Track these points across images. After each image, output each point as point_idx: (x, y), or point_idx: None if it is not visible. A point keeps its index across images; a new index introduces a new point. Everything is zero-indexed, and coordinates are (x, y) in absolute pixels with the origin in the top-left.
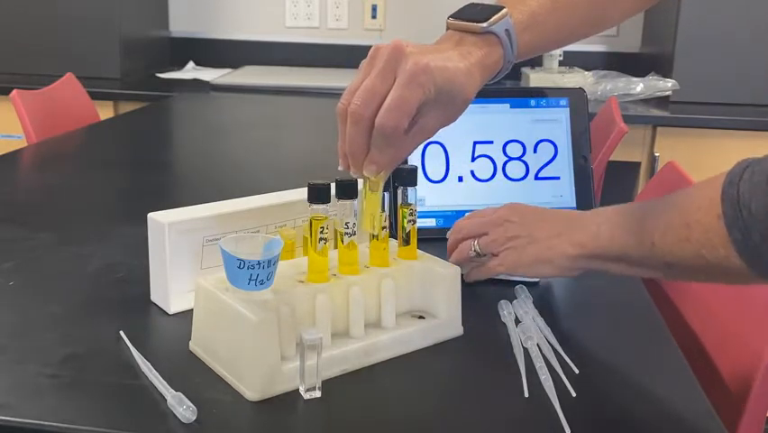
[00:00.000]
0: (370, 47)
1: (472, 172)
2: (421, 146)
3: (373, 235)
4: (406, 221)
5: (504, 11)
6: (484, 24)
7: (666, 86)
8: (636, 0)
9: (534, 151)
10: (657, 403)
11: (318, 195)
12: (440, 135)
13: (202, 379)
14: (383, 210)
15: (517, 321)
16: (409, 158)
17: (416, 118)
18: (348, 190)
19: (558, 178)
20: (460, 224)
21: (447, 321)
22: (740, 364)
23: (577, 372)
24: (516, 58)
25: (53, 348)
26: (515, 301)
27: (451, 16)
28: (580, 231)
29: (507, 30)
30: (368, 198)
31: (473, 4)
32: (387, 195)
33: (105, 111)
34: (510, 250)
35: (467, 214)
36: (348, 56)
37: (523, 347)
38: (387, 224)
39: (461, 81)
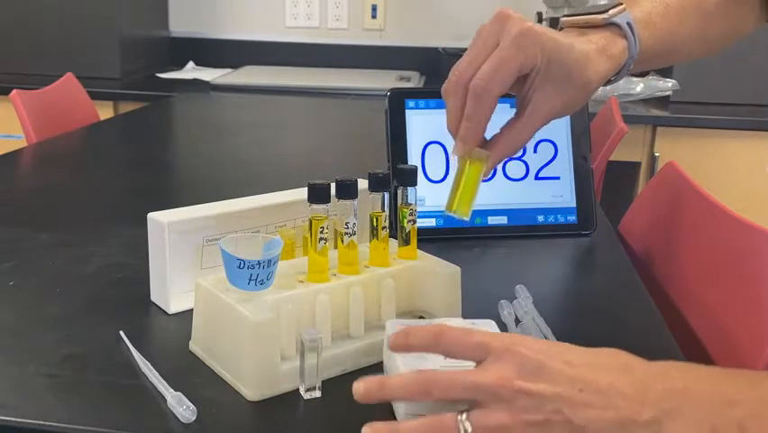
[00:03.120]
0: (370, 47)
1: None
2: (421, 146)
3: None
4: (406, 221)
5: (623, 5)
6: (605, 15)
7: (666, 86)
8: (730, 25)
9: (535, 151)
10: None
11: (318, 195)
12: (440, 135)
13: (202, 379)
14: (383, 210)
15: (517, 321)
16: (409, 158)
17: (528, 94)
18: (348, 190)
19: (558, 178)
20: (423, 374)
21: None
22: (740, 365)
23: None
24: (638, 56)
25: (53, 348)
26: (515, 301)
27: (565, 16)
28: (687, 425)
29: (628, 22)
30: (465, 174)
31: (587, 6)
32: (386, 195)
33: (105, 111)
34: None
35: (425, 332)
36: (348, 56)
37: None
38: (387, 224)
39: (577, 58)
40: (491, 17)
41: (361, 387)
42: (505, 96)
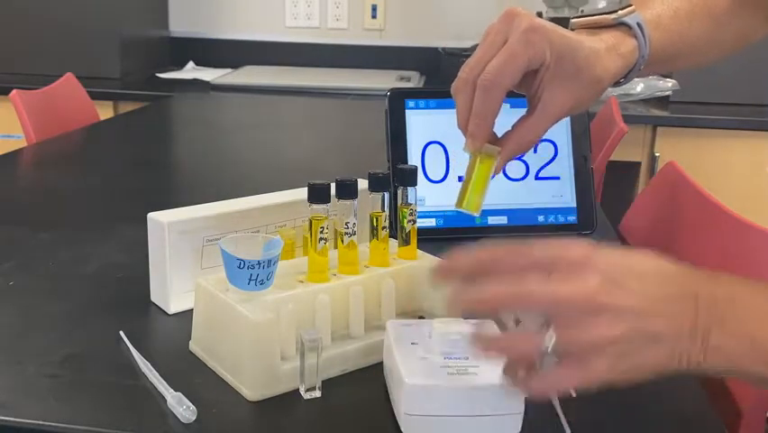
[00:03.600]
0: (370, 47)
1: None
2: (421, 146)
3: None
4: (406, 221)
5: (632, 7)
6: (615, 15)
7: (666, 86)
8: (740, 29)
9: (535, 151)
10: (657, 403)
11: (318, 195)
12: (440, 135)
13: (202, 379)
14: (383, 210)
15: (517, 321)
16: (409, 158)
17: (538, 91)
18: (348, 190)
19: (558, 178)
20: (494, 286)
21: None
22: None
23: None
24: (649, 57)
25: (53, 348)
26: None
27: (574, 17)
28: (732, 338)
29: (638, 23)
30: (476, 170)
31: (592, 9)
32: (387, 195)
33: (105, 111)
34: (619, 356)
35: (493, 251)
36: (348, 56)
37: None
38: (387, 224)
39: (587, 55)
40: (500, 16)
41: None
42: (508, 96)
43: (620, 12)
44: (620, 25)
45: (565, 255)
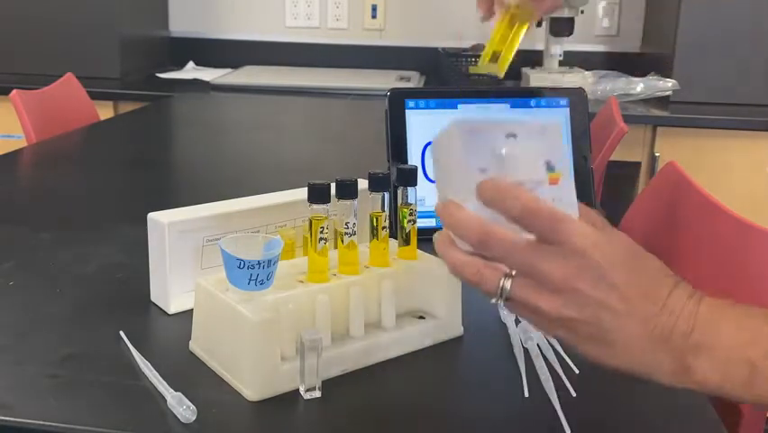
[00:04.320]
0: (370, 47)
1: None
2: (421, 146)
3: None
4: (406, 221)
5: None
6: None
7: (666, 86)
8: None
9: None
10: (657, 403)
11: (318, 195)
12: None
13: (202, 379)
14: (383, 210)
15: (517, 321)
16: (409, 158)
17: None
18: (348, 190)
19: None
20: (491, 227)
21: (447, 321)
22: None
23: (577, 372)
24: None
25: (53, 348)
26: None
27: None
28: (707, 361)
29: None
30: (515, 30)
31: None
32: (387, 195)
33: (105, 111)
34: (577, 339)
35: (482, 183)
36: (348, 56)
37: (523, 347)
38: (387, 224)
39: None
40: None
41: (439, 205)
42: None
43: None
44: None
45: (569, 241)
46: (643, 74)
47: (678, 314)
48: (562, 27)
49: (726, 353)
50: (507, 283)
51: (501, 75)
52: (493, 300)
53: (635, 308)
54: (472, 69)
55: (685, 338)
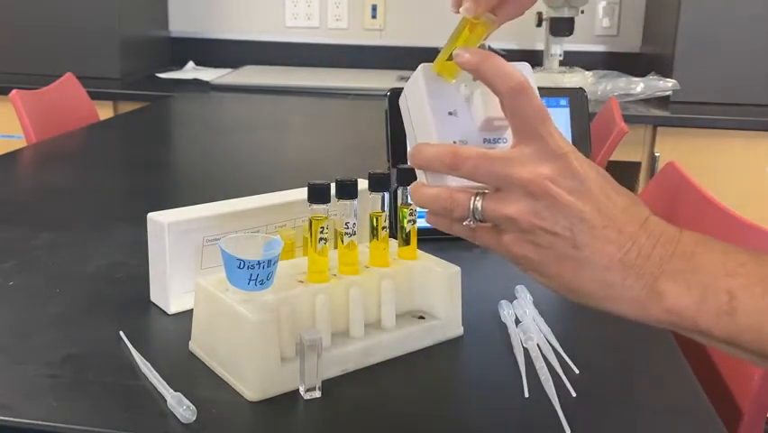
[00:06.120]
0: (370, 47)
1: None
2: None
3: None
4: (406, 221)
5: None
6: None
7: (666, 86)
8: None
9: None
10: (657, 404)
11: (318, 195)
12: None
13: (202, 379)
14: (383, 210)
15: (517, 321)
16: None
17: None
18: (348, 190)
19: None
20: (457, 148)
21: (447, 321)
22: (740, 365)
23: (577, 372)
24: None
25: (53, 348)
26: (515, 301)
27: None
28: (683, 284)
29: None
30: (463, 36)
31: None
32: (387, 195)
33: (105, 111)
34: (546, 257)
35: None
36: (348, 56)
37: (523, 347)
38: (387, 224)
39: None
40: None
41: (409, 152)
42: None
43: None
44: None
45: (548, 139)
46: (643, 74)
47: (657, 237)
48: (562, 27)
49: (705, 279)
50: (479, 202)
51: (453, 81)
52: (466, 222)
53: (613, 223)
54: (433, 68)
55: (663, 262)
